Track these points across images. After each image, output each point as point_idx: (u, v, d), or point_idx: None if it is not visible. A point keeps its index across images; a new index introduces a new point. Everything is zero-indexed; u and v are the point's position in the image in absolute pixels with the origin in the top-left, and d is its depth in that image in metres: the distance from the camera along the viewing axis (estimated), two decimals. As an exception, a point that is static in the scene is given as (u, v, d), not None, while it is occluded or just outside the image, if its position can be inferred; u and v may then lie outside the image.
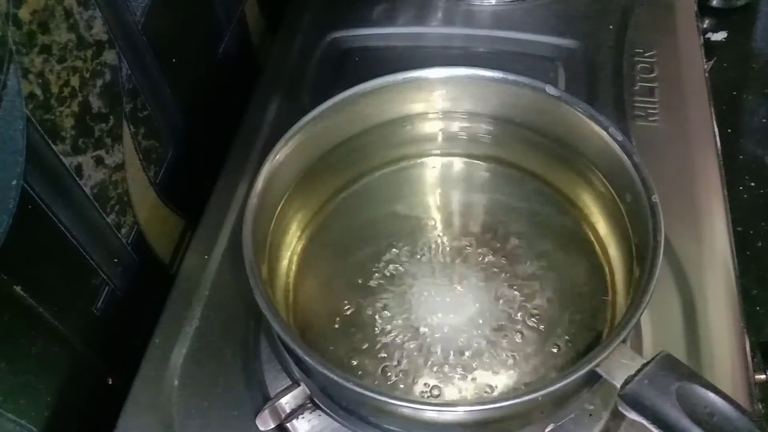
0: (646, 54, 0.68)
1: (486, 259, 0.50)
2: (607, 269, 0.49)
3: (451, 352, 0.46)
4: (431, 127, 0.56)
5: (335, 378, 0.38)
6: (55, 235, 0.47)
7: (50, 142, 0.46)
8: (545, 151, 0.53)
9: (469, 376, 0.45)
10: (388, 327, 0.48)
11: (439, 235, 0.52)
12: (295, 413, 0.46)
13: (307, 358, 0.39)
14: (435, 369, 0.46)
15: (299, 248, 0.52)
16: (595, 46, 0.70)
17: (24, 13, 0.42)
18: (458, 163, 0.56)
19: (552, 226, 0.52)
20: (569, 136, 0.51)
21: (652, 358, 0.38)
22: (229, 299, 0.54)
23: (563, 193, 0.53)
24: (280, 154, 0.48)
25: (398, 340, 0.47)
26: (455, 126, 0.56)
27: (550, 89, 0.50)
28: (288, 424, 0.47)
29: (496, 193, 0.54)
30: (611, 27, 0.71)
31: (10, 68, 0.41)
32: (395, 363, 0.46)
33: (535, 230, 0.51)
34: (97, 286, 0.53)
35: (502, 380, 0.45)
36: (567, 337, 0.46)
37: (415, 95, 0.53)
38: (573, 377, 0.37)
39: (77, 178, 0.49)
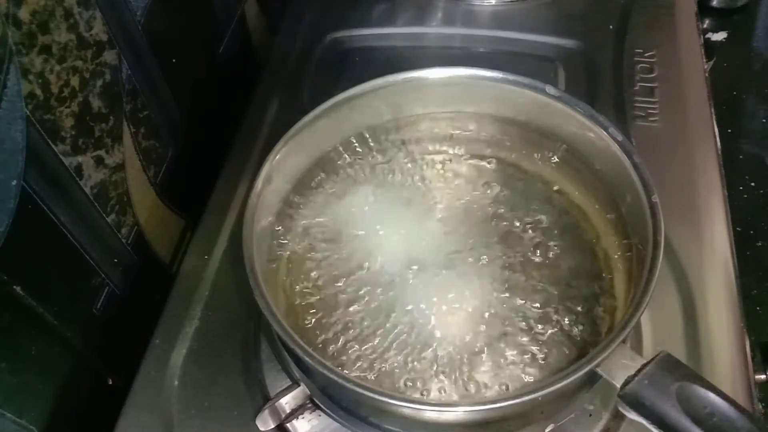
0: (646, 54, 0.68)
1: (486, 259, 0.50)
2: (606, 269, 0.49)
3: (453, 353, 0.46)
4: (431, 127, 0.56)
5: (335, 378, 0.38)
6: (55, 235, 0.47)
7: (50, 142, 0.46)
8: (545, 150, 0.53)
9: (470, 377, 0.45)
10: (390, 326, 0.48)
11: (439, 235, 0.52)
12: (295, 413, 0.46)
13: (307, 358, 0.39)
14: (436, 368, 0.46)
15: (299, 248, 0.52)
16: (595, 46, 0.70)
17: (24, 13, 0.42)
18: (458, 163, 0.56)
19: (552, 225, 0.52)
20: (569, 136, 0.51)
21: (652, 358, 0.38)
22: (229, 299, 0.54)
23: (563, 193, 0.53)
24: (280, 154, 0.48)
25: (400, 339, 0.47)
26: (455, 126, 0.56)
27: (550, 89, 0.50)
28: (288, 424, 0.47)
29: (495, 192, 0.54)
30: (611, 27, 0.71)
31: (10, 68, 0.41)
32: (397, 362, 0.46)
33: (534, 230, 0.51)
34: (97, 286, 0.53)
35: (501, 381, 0.45)
36: (565, 338, 0.46)
37: (415, 95, 0.53)
38: (573, 377, 0.37)
39: (77, 178, 0.49)
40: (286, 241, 0.51)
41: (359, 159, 0.55)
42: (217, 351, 0.52)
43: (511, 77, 0.51)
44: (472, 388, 0.45)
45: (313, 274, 0.50)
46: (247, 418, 0.47)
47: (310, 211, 0.53)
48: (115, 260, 0.55)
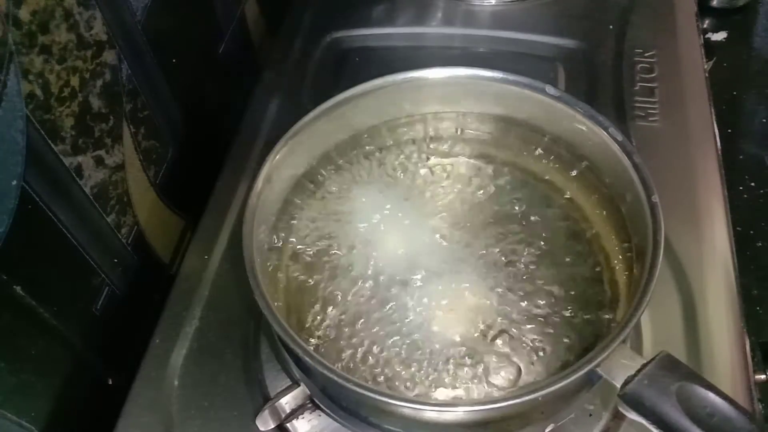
0: (646, 54, 0.68)
1: (485, 259, 0.50)
2: (607, 269, 0.49)
3: (452, 353, 0.46)
4: (431, 127, 0.56)
5: (335, 378, 0.38)
6: (55, 235, 0.47)
7: (50, 142, 0.46)
8: (545, 150, 0.53)
9: (470, 377, 0.45)
10: (390, 325, 0.48)
11: (439, 235, 0.52)
12: (295, 413, 0.46)
13: (307, 358, 0.39)
14: (436, 368, 0.46)
15: (300, 248, 0.52)
16: (595, 46, 0.70)
17: (24, 14, 0.42)
18: (458, 163, 0.56)
19: (552, 225, 0.52)
20: (569, 136, 0.51)
21: (652, 358, 0.38)
22: (229, 299, 0.54)
23: (563, 193, 0.53)
24: (280, 154, 0.48)
25: (400, 338, 0.47)
26: (455, 126, 0.56)
27: (550, 89, 0.50)
28: (288, 424, 0.47)
29: (496, 192, 0.54)
30: (611, 27, 0.71)
31: (10, 68, 0.41)
32: (398, 361, 0.46)
33: (534, 230, 0.51)
34: (97, 286, 0.53)
35: (500, 381, 0.45)
36: (566, 338, 0.46)
37: (415, 95, 0.53)
38: (573, 377, 0.37)
39: (77, 178, 0.49)
40: (286, 241, 0.51)
41: (359, 159, 0.55)
42: (217, 351, 0.52)
43: (511, 77, 0.51)
44: (471, 387, 0.45)
45: (313, 274, 0.50)
46: (247, 418, 0.47)
47: (310, 211, 0.53)
48: (115, 260, 0.55)
